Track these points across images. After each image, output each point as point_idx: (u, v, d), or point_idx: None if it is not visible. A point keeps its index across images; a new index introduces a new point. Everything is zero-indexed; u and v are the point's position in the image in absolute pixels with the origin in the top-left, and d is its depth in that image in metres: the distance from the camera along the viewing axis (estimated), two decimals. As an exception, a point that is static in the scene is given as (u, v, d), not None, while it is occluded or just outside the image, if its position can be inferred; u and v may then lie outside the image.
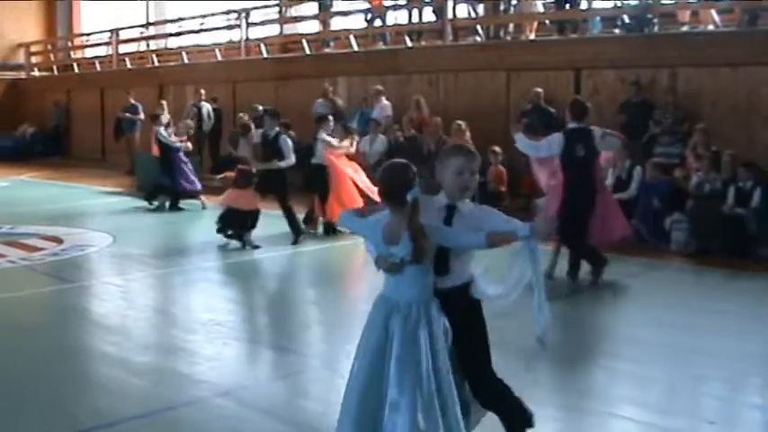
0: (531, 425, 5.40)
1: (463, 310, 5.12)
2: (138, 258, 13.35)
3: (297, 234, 14.19)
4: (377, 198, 5.10)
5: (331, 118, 15.35)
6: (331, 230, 14.74)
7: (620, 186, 13.98)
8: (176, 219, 17.24)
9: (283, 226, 14.16)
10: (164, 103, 22.02)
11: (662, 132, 14.99)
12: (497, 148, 16.13)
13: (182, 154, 17.98)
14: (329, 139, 14.54)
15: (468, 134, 16.25)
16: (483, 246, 4.82)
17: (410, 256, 4.75)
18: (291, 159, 13.95)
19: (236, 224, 13.82)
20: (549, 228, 4.93)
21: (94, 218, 17.66)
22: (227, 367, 8.11)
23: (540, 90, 16.63)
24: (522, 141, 11.18)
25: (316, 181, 14.75)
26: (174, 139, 17.96)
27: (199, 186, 18.01)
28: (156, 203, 18.12)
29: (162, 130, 18.10)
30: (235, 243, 13.80)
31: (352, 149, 14.96)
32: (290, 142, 14.07)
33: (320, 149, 14.58)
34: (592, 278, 11.12)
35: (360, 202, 13.50)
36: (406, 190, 4.73)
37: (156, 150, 18.84)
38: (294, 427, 6.63)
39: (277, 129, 14.13)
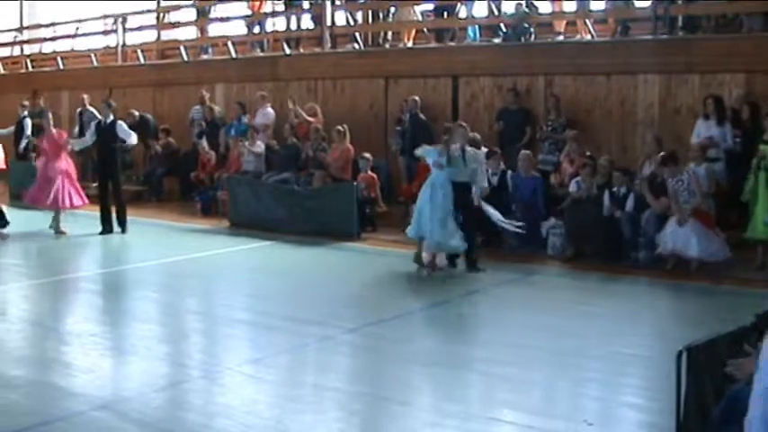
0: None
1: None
2: (11, 268, 12.96)
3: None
4: None
5: None
6: None
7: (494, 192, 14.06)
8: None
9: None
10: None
11: (541, 139, 15.15)
12: (367, 155, 16.06)
13: None
14: None
15: (348, 139, 16.22)
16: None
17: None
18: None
19: None
20: None
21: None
22: (105, 379, 7.86)
23: (416, 98, 16.64)
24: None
25: None
26: None
27: None
28: None
29: None
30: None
31: None
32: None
33: None
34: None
35: None
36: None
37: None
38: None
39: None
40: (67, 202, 15.81)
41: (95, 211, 15.84)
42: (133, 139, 16.23)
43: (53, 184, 15.67)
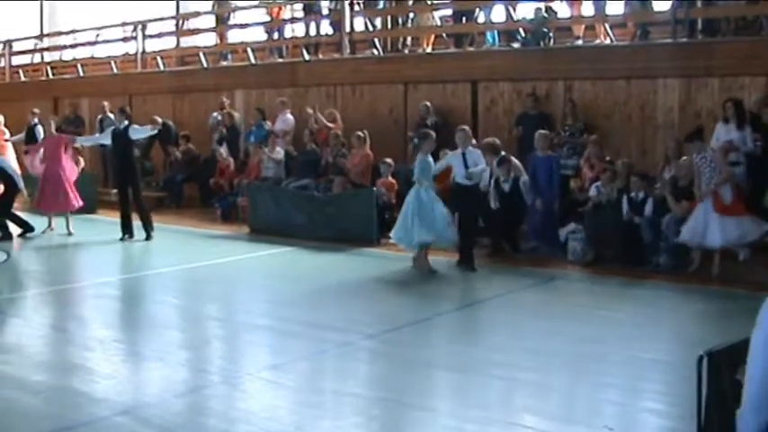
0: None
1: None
2: (33, 274, 13.01)
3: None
4: None
5: None
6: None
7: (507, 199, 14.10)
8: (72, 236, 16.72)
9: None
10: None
11: (559, 144, 15.10)
12: (389, 160, 16.05)
13: None
14: None
15: (367, 145, 16.25)
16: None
17: None
18: None
19: None
20: None
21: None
22: (127, 385, 7.89)
23: (428, 104, 16.65)
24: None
25: None
26: None
27: None
28: None
29: None
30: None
31: None
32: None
33: None
34: None
35: None
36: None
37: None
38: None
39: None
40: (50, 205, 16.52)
41: (116, 218, 15.93)
42: (148, 130, 16.60)
43: (52, 188, 16.24)
